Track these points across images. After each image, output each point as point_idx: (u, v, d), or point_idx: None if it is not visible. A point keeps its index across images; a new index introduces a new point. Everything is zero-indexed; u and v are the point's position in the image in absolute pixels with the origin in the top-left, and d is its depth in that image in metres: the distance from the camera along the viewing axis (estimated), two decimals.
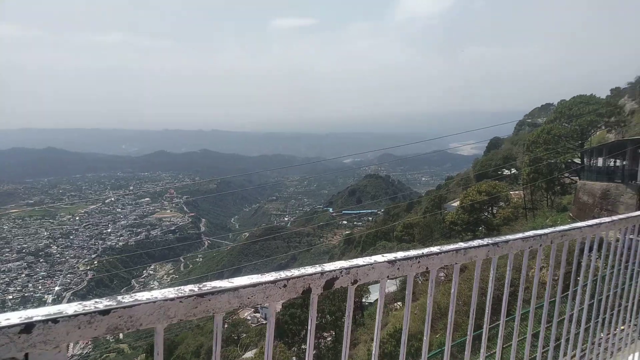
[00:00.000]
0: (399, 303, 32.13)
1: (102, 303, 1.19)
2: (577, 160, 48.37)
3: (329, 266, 1.43)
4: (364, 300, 39.23)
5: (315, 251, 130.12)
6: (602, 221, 2.13)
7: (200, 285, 1.32)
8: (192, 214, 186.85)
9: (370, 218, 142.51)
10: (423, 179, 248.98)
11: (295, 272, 1.38)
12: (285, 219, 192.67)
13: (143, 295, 1.27)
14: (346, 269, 1.43)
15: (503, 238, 1.62)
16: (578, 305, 2.48)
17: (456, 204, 61.34)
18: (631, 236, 3.12)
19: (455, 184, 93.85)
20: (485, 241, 1.61)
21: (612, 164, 39.26)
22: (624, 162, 35.92)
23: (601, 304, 2.83)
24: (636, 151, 32.52)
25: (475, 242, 1.63)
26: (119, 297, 1.23)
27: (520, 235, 1.66)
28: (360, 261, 1.48)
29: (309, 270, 1.40)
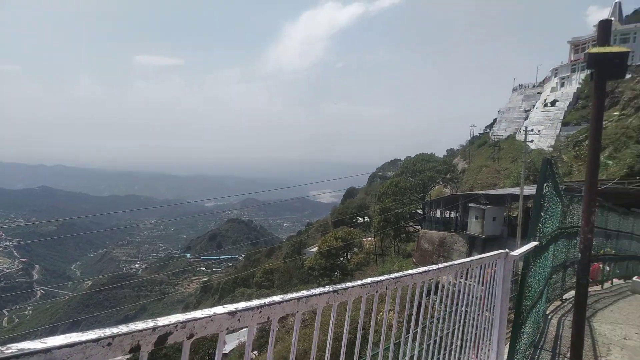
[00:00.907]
0: (254, 352, 31.34)
1: None
2: (420, 211, 53.68)
3: (163, 320, 1.32)
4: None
5: (169, 300, 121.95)
6: (431, 269, 2.36)
7: (3, 348, 1.11)
8: (24, 260, 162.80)
9: (230, 264, 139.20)
10: (285, 224, 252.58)
11: (122, 328, 1.25)
12: (137, 265, 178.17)
13: None
14: (182, 322, 1.34)
15: (342, 285, 1.69)
16: (418, 346, 2.68)
17: (315, 249, 63.21)
18: (461, 280, 3.51)
19: (314, 230, 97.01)
20: (326, 289, 1.66)
21: (447, 215, 44.36)
22: (457, 214, 40.93)
23: (435, 344, 3.08)
24: (466, 205, 37.34)
25: (317, 290, 1.67)
26: None
27: (358, 282, 1.75)
28: (198, 313, 1.40)
29: (139, 325, 1.27)
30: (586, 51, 4.75)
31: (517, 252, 3.85)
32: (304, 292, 1.63)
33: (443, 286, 3.27)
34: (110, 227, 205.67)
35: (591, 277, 12.21)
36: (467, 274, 3.48)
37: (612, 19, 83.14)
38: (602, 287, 12.69)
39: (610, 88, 52.91)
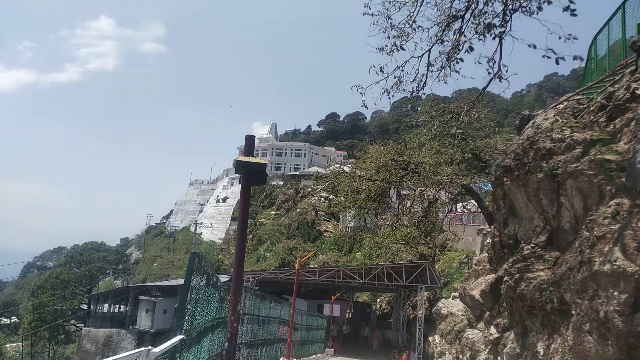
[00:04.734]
0: None
1: None
2: (85, 306, 48.42)
3: None
4: None
5: None
6: None
7: None
8: None
9: None
10: None
11: None
12: None
13: None
14: None
15: None
16: None
17: None
18: None
19: None
20: None
21: (117, 309, 41.19)
22: (127, 308, 38.45)
23: None
24: (137, 297, 35.61)
25: None
26: None
27: None
28: None
29: None
30: (234, 158, 5.50)
31: (159, 348, 3.76)
32: None
33: None
34: None
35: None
36: None
37: (271, 135, 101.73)
38: None
39: (269, 191, 62.64)
